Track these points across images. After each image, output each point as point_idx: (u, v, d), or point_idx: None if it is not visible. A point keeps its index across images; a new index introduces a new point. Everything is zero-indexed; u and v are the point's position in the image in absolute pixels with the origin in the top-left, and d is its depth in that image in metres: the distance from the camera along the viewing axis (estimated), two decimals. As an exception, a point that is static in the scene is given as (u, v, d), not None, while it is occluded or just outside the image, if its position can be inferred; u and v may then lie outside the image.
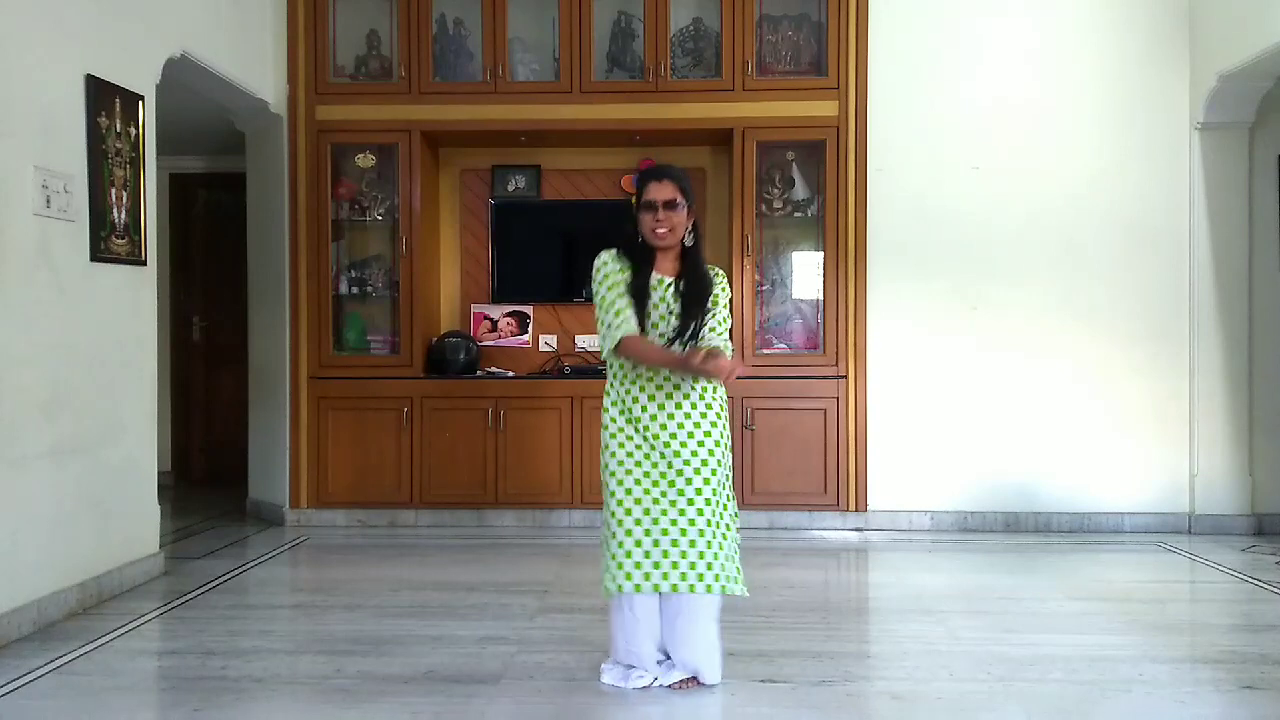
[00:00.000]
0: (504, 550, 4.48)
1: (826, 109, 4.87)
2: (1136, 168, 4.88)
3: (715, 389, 2.73)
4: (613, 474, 2.68)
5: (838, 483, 4.88)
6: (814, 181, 5.03)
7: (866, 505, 4.90)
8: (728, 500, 2.71)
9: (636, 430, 2.68)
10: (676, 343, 2.69)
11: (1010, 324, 4.91)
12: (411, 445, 4.92)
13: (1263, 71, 4.49)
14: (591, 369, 5.04)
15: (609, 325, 2.67)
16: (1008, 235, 4.90)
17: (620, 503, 2.64)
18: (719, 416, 2.73)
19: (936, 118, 4.91)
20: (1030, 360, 4.90)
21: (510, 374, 5.07)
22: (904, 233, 4.91)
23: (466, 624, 3.32)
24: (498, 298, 5.27)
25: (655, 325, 2.72)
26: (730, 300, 2.85)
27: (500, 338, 5.29)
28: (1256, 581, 3.94)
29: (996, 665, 2.91)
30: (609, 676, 2.76)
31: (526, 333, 5.30)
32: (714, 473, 2.66)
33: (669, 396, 2.68)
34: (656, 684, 2.70)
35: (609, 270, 2.73)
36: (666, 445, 2.65)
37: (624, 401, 2.73)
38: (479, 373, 5.06)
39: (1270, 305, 4.85)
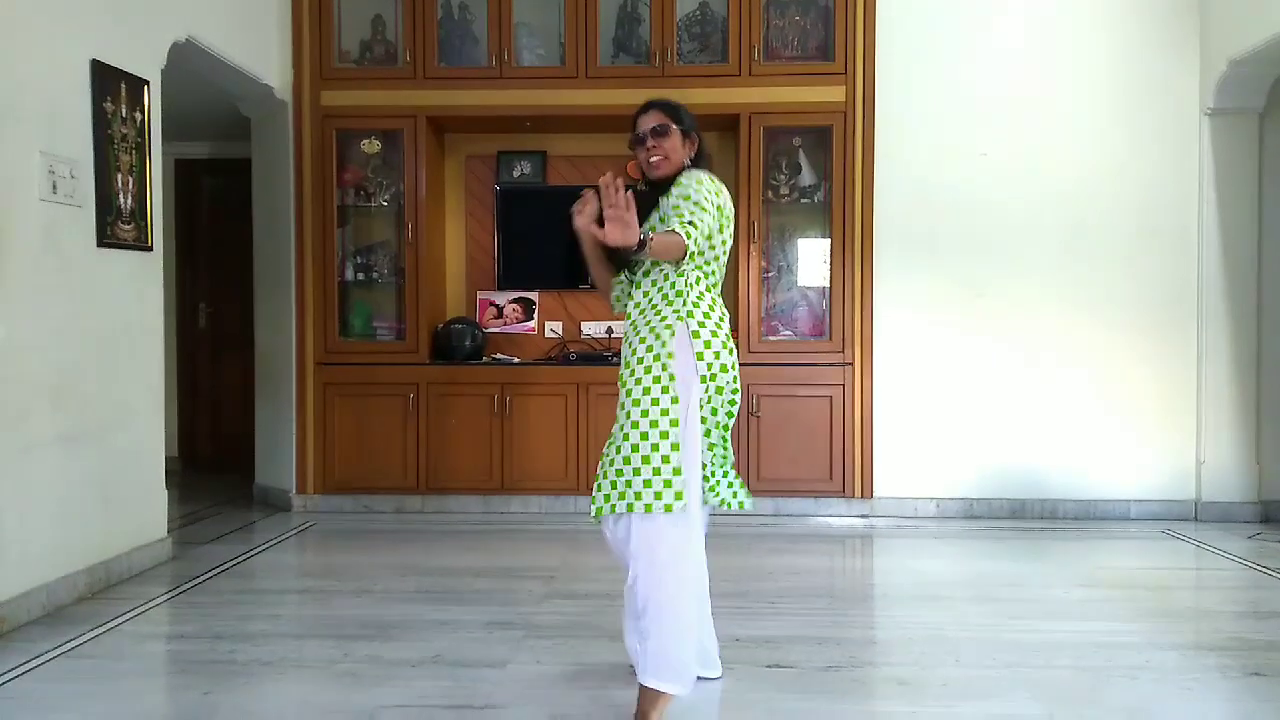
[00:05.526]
0: (510, 536, 4.49)
1: (833, 94, 4.84)
2: (1145, 154, 4.86)
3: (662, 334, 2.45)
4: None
5: (844, 469, 4.88)
6: (821, 167, 5.01)
7: (872, 492, 4.90)
8: None
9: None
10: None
11: (1017, 311, 4.90)
12: (417, 431, 4.93)
13: (1273, 57, 4.45)
14: (597, 355, 5.04)
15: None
16: (1015, 222, 4.89)
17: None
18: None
19: (944, 103, 4.89)
20: (1037, 347, 4.89)
21: (516, 360, 5.07)
22: (911, 219, 4.89)
23: (473, 609, 3.33)
24: (503, 284, 5.27)
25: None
26: (702, 194, 2.43)
27: (506, 324, 5.29)
28: (1262, 568, 3.94)
29: (1003, 651, 2.92)
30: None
31: (532, 319, 5.29)
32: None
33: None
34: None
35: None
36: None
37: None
38: (484, 359, 5.06)
39: (1279, 293, 4.83)
